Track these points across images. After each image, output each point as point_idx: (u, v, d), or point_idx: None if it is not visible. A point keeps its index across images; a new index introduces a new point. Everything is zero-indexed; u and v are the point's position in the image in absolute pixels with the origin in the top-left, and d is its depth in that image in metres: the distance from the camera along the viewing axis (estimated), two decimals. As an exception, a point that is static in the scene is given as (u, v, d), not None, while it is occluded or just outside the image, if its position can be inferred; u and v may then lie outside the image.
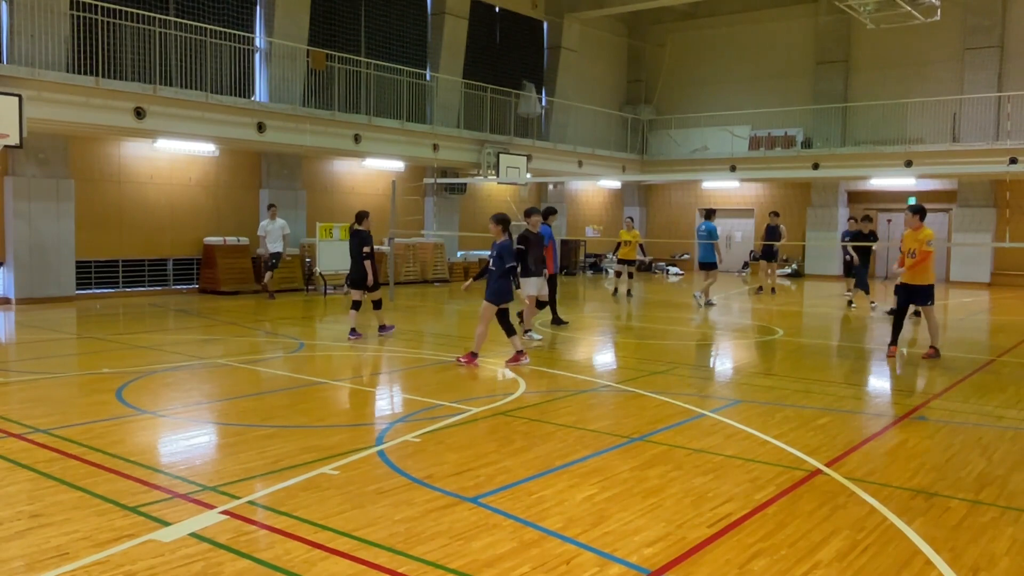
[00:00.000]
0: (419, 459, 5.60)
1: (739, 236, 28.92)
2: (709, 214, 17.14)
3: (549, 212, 12.72)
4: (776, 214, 20.32)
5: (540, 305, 11.74)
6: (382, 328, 11.79)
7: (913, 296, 10.35)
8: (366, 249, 11.28)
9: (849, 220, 18.12)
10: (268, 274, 17.32)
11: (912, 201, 25.67)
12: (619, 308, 16.92)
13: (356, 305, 11.58)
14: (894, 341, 10.53)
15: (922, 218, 10.26)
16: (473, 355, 9.52)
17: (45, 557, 3.88)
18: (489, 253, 9.75)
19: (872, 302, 16.48)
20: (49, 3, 14.86)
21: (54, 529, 4.22)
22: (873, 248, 16.84)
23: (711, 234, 16.68)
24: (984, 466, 5.66)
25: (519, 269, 10.77)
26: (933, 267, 10.34)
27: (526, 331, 11.44)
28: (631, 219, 20.39)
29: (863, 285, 16.41)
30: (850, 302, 17.15)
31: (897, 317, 10.57)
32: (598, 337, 12.85)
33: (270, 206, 17.58)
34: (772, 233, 19.71)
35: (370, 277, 11.27)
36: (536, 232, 11.22)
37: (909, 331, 13.67)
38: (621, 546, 4.11)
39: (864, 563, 3.97)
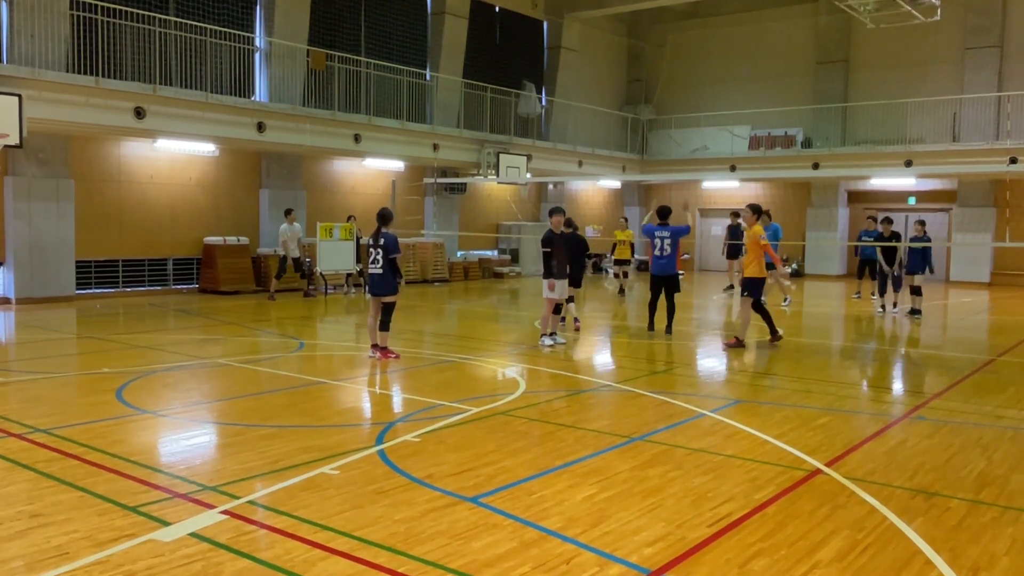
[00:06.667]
0: (419, 459, 5.60)
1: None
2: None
3: (556, 213, 11.03)
4: (737, 214, 20.44)
5: (557, 310, 11.09)
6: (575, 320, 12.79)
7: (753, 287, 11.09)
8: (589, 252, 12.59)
9: (868, 220, 17.78)
10: (297, 275, 17.60)
11: (912, 201, 25.74)
12: (619, 308, 16.91)
13: (557, 309, 11.64)
14: (773, 332, 11.36)
15: (758, 217, 11.24)
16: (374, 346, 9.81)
17: (45, 557, 3.88)
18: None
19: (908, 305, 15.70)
20: (49, 3, 14.85)
21: (54, 529, 4.23)
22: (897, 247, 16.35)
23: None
24: (984, 466, 5.66)
25: (542, 271, 10.91)
26: (762, 263, 11.07)
27: (544, 334, 10.98)
28: (625, 219, 20.50)
29: (898, 286, 15.79)
30: (880, 304, 16.53)
31: (757, 308, 11.27)
32: (598, 337, 12.84)
33: (288, 211, 17.30)
34: (735, 233, 19.91)
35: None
36: (559, 232, 10.89)
37: (909, 329, 13.67)
38: (621, 546, 4.11)
39: (864, 563, 3.97)
